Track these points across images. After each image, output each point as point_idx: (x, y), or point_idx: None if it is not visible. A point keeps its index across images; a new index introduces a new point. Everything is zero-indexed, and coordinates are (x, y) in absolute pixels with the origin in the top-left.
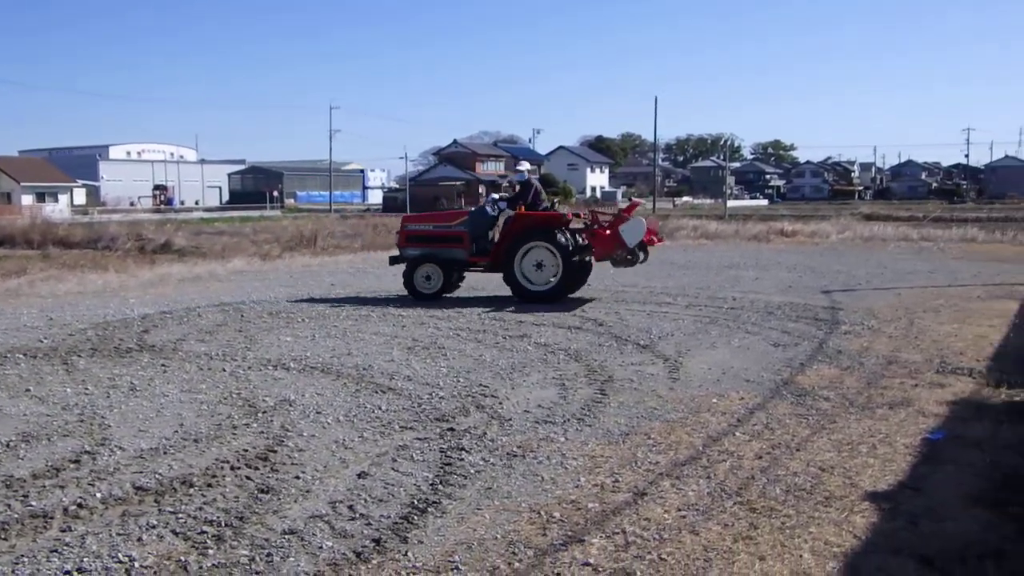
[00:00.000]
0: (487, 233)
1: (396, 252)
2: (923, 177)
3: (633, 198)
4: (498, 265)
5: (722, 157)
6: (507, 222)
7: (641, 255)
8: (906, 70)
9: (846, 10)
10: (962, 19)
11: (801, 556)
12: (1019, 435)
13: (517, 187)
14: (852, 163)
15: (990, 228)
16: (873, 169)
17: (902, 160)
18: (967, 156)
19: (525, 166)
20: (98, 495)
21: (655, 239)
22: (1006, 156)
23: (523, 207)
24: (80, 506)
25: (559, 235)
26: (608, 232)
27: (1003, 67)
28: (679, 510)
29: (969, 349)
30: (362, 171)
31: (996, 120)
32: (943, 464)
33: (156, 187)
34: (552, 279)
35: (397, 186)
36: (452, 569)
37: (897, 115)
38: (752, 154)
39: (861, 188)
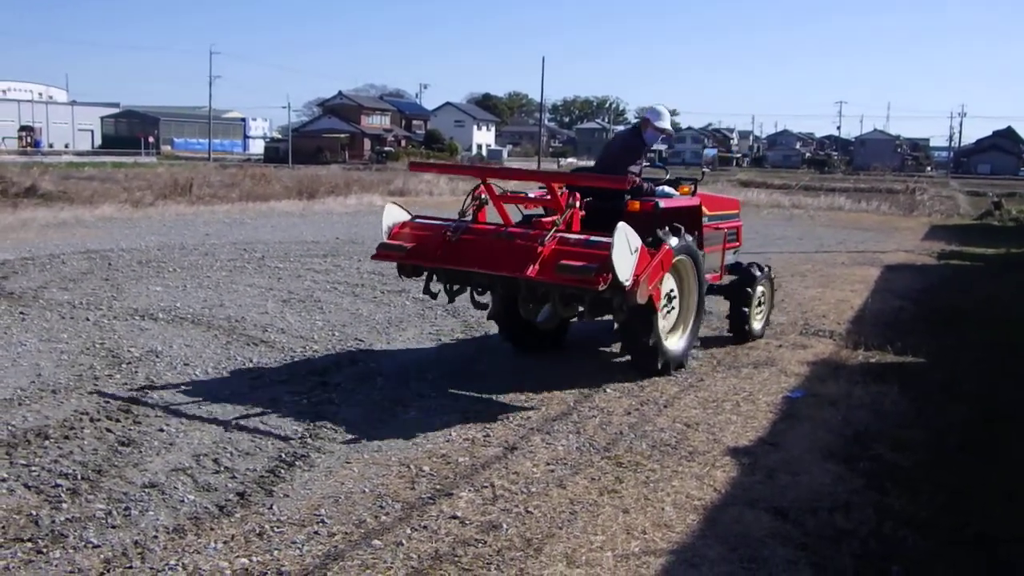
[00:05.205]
0: None
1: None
2: (797, 147)
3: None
4: None
5: (607, 120)
6: None
7: None
8: (785, 43)
9: None
10: None
11: (663, 509)
12: (872, 394)
13: None
14: (731, 130)
15: (856, 198)
16: (751, 137)
17: (778, 129)
18: (839, 128)
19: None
20: None
21: None
22: (875, 129)
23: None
24: None
25: None
26: None
27: (875, 44)
28: (548, 464)
29: (831, 313)
30: (243, 120)
31: (867, 94)
32: (801, 421)
33: (22, 128)
34: None
35: (280, 136)
36: (318, 522)
37: (775, 86)
38: (636, 118)
39: (739, 155)
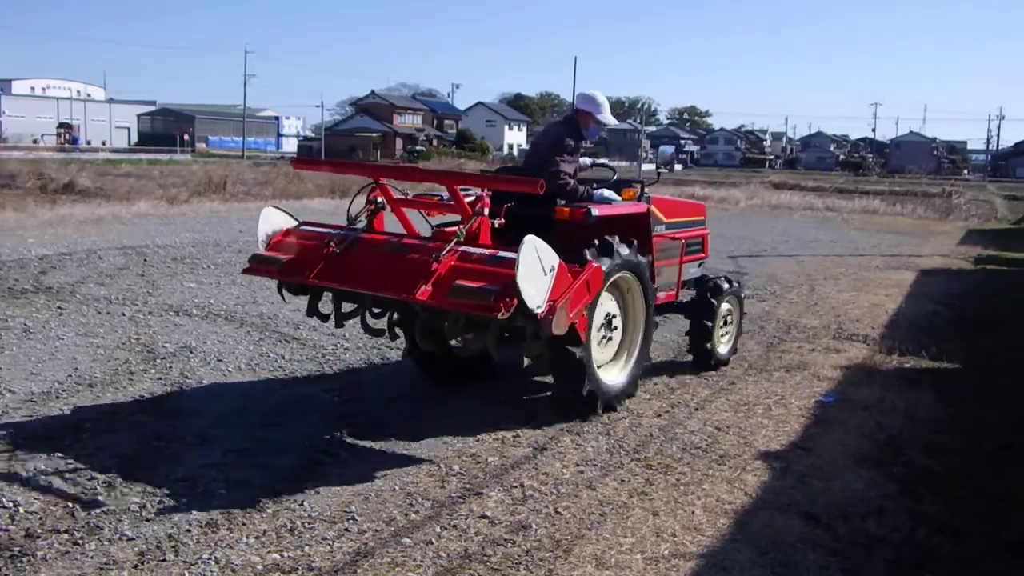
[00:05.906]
0: None
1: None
2: (831, 149)
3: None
4: None
5: (639, 120)
6: None
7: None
8: (820, 43)
9: None
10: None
11: (693, 512)
12: (906, 400)
13: None
14: (764, 132)
15: (891, 201)
16: (784, 139)
17: (812, 131)
18: (874, 130)
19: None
20: None
21: None
22: (911, 132)
23: None
24: None
25: None
26: None
27: (911, 45)
28: (577, 465)
29: (865, 317)
30: (277, 118)
31: (903, 97)
32: (833, 426)
33: (61, 125)
34: None
35: (313, 135)
36: (348, 519)
37: (809, 87)
38: (668, 119)
39: (772, 157)
